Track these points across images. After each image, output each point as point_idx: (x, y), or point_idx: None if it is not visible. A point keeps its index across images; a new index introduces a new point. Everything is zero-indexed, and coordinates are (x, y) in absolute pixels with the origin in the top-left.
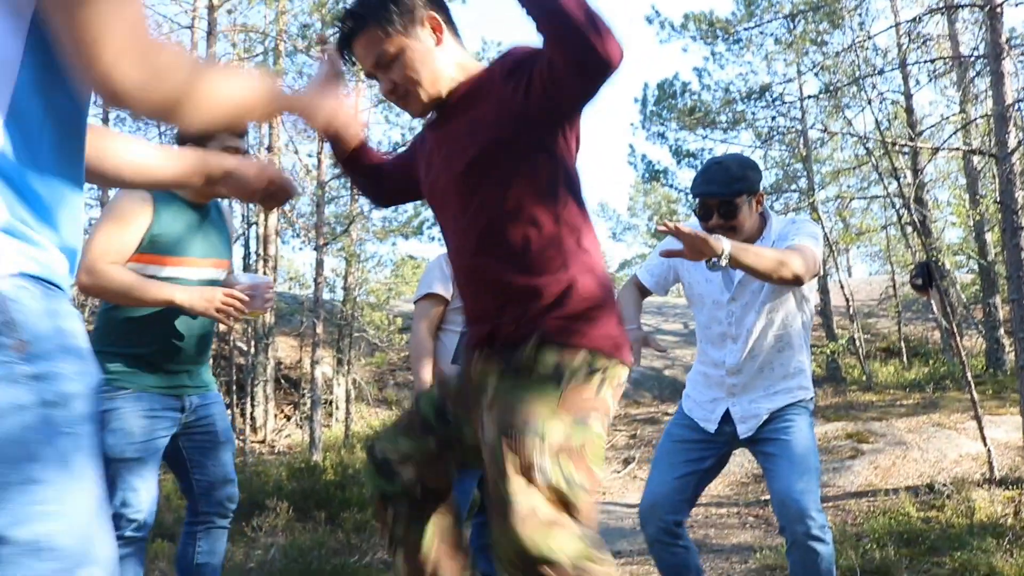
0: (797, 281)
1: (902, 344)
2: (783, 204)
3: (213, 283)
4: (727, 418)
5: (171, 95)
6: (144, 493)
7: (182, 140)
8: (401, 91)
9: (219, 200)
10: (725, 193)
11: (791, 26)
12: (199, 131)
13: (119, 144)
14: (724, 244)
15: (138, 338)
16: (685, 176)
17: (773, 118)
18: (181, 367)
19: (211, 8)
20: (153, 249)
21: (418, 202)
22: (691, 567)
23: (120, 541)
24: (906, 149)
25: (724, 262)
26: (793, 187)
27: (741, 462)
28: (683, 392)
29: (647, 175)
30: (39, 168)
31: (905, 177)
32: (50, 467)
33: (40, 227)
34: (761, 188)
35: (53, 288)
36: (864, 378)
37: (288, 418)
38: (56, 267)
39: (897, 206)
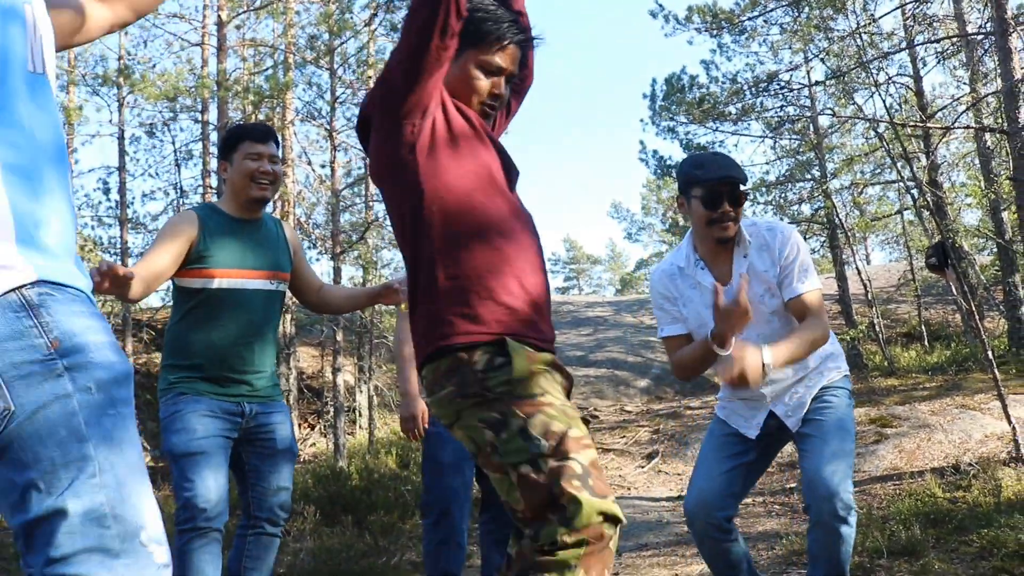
0: (825, 341)
1: (922, 328)
2: (796, 194)
3: (270, 294)
4: (770, 417)
5: None
6: (212, 484)
7: (223, 152)
8: (501, 103)
9: (275, 216)
10: (743, 178)
11: (795, 13)
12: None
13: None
14: (765, 357)
15: (190, 350)
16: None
17: (782, 107)
18: (234, 375)
19: (220, 24)
20: (203, 264)
21: None
22: (742, 558)
23: (195, 532)
24: (918, 132)
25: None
26: (807, 176)
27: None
28: (718, 402)
29: (659, 171)
30: (44, 185)
31: (919, 160)
32: (99, 445)
33: (50, 239)
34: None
35: (73, 291)
36: (886, 363)
37: (312, 427)
38: (72, 273)
39: (911, 188)
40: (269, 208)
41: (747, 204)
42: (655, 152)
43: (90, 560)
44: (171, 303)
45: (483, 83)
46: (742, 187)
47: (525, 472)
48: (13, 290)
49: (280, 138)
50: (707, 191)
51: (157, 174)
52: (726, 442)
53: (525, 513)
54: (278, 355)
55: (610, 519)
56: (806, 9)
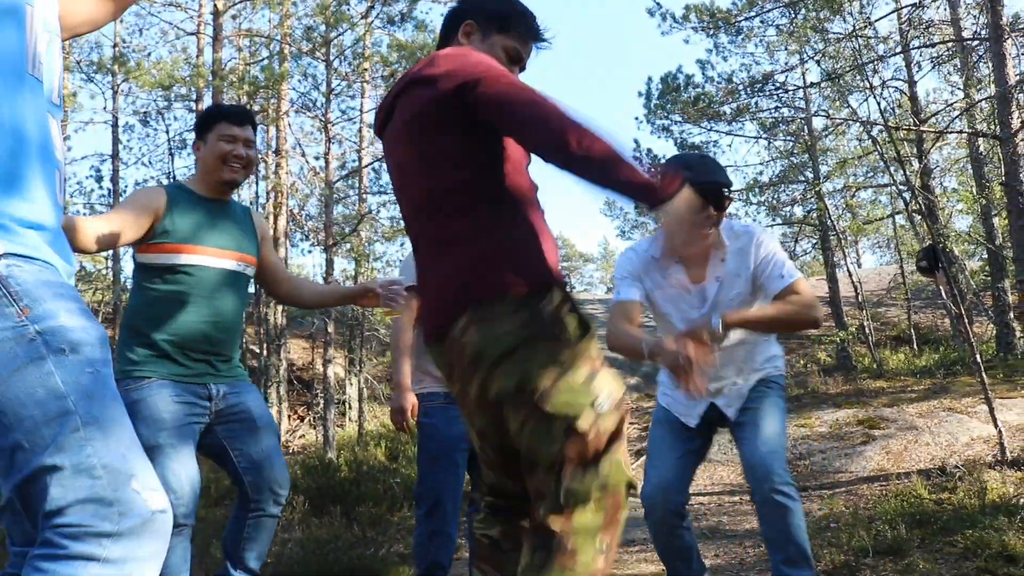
0: (815, 320)
1: (912, 332)
2: (789, 195)
3: (236, 275)
4: (710, 408)
5: None
6: (183, 476)
7: (198, 130)
8: None
9: (241, 202)
10: (729, 183)
11: (792, 14)
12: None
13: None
14: (714, 321)
15: (154, 330)
16: None
17: (777, 108)
18: (201, 356)
19: (216, 14)
20: (168, 239)
21: None
22: (693, 546)
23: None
24: (912, 136)
25: (720, 331)
26: (800, 178)
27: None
28: (658, 388)
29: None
30: (24, 178)
31: (911, 164)
32: (79, 400)
33: (19, 218)
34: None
35: (41, 263)
36: (875, 366)
37: (302, 419)
38: (42, 248)
39: (903, 191)
40: (263, 199)
41: (740, 204)
42: (649, 151)
43: (84, 510)
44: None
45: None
46: (726, 192)
47: (578, 425)
48: None
49: (275, 129)
50: (700, 192)
51: (151, 163)
52: (673, 430)
53: (560, 461)
54: (268, 346)
55: (630, 487)
56: (803, 11)
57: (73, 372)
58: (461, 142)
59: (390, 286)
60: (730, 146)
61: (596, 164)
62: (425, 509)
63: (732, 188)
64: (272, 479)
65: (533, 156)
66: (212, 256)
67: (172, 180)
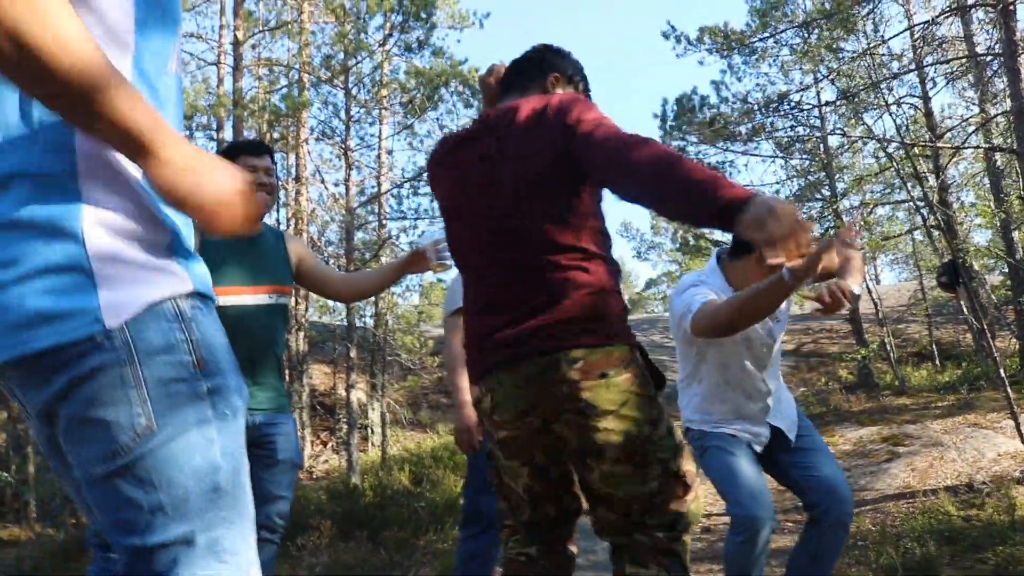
0: None
1: (934, 347)
2: (806, 214)
3: (272, 308)
4: (772, 432)
5: None
6: None
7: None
8: None
9: (277, 229)
10: None
11: (806, 34)
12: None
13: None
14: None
15: None
16: None
17: (792, 127)
18: None
19: (236, 44)
20: None
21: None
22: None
23: None
24: (928, 152)
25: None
26: (816, 196)
27: None
28: (695, 428)
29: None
30: None
31: (928, 180)
32: (229, 478)
33: (190, 249)
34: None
35: (210, 301)
36: (897, 383)
37: (325, 444)
38: (209, 283)
39: (921, 207)
40: (283, 226)
41: None
42: None
43: None
44: None
45: None
46: None
47: (672, 467)
48: (172, 299)
49: (295, 157)
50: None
51: None
52: (747, 453)
53: (657, 502)
54: (291, 372)
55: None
56: (816, 31)
57: (230, 444)
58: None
59: (436, 245)
60: (746, 166)
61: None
62: (473, 531)
63: None
64: (273, 510)
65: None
66: (247, 294)
67: None
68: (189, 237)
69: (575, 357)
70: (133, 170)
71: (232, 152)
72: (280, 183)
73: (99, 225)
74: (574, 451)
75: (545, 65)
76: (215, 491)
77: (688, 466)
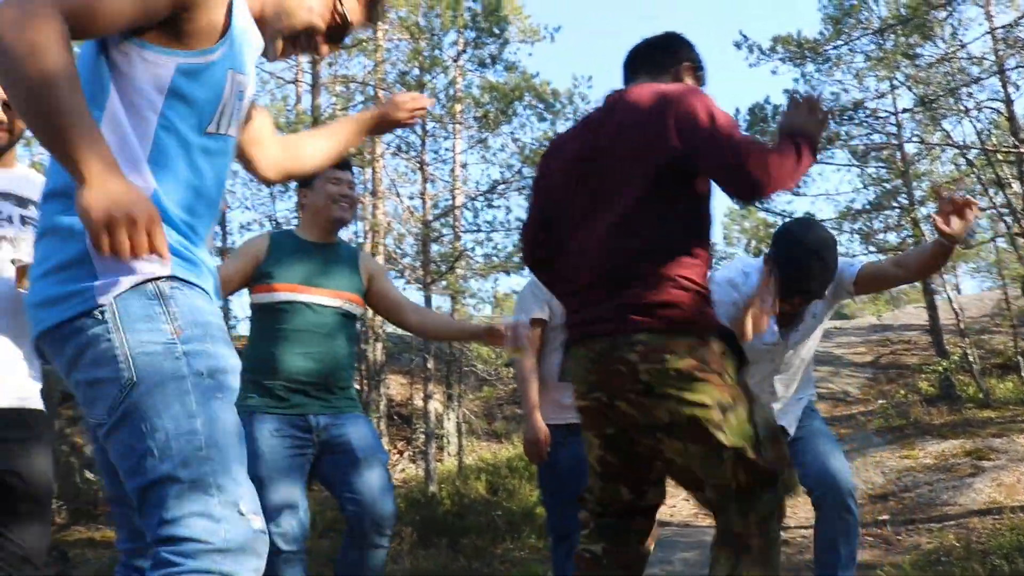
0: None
1: (1020, 359)
2: (882, 222)
3: (338, 312)
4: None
5: None
6: (285, 509)
7: (302, 181)
8: None
9: (352, 245)
10: (821, 295)
11: (881, 41)
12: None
13: (304, 146)
14: None
15: (256, 365)
16: (781, 200)
17: (868, 135)
18: (299, 388)
19: (314, 62)
20: (269, 279)
21: (516, 237)
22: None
23: (277, 557)
24: (1011, 157)
25: None
26: (893, 204)
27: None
28: None
29: (742, 202)
30: (181, 203)
31: (1011, 186)
32: (206, 423)
33: (191, 248)
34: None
35: (200, 290)
36: (980, 395)
37: (401, 453)
38: (202, 277)
39: (1004, 214)
40: (360, 238)
41: (834, 233)
42: None
43: (196, 523)
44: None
45: None
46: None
47: (748, 455)
48: (151, 280)
49: (371, 171)
50: (787, 286)
51: (253, 206)
52: None
53: (732, 485)
54: (368, 382)
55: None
56: (891, 37)
57: (206, 395)
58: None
59: (516, 327)
60: (820, 175)
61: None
62: (552, 541)
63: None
64: (374, 511)
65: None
66: (309, 294)
67: (277, 226)
68: (190, 241)
69: (637, 340)
70: (140, 182)
71: None
72: (358, 197)
73: None
74: (643, 426)
75: (680, 53)
76: (192, 434)
77: (773, 458)
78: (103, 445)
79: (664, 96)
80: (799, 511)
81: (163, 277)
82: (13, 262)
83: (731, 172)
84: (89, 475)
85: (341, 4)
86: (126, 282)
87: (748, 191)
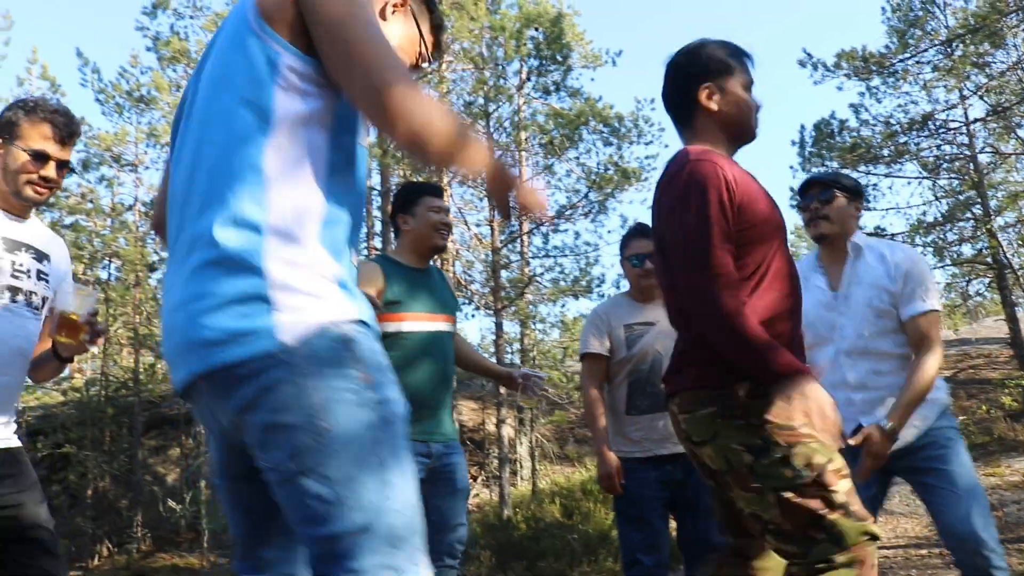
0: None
1: None
2: (956, 234)
3: (445, 335)
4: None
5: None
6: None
7: (402, 205)
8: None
9: (438, 267)
10: (828, 180)
11: (949, 51)
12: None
13: None
14: (885, 428)
15: None
16: None
17: (939, 146)
18: (426, 414)
19: None
20: (394, 309)
21: (583, 262)
22: None
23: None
24: None
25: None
26: (967, 215)
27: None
28: None
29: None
30: (349, 239)
31: None
32: (395, 472)
33: (354, 285)
34: (863, 203)
35: (372, 329)
36: None
37: (474, 478)
38: (370, 314)
39: None
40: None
41: (900, 241)
42: None
43: (382, 575)
44: None
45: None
46: (834, 189)
47: (788, 496)
48: (338, 322)
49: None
50: (800, 193)
51: None
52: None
53: (785, 528)
54: None
55: (871, 537)
56: (960, 47)
57: (393, 444)
58: None
59: (530, 378)
60: (890, 188)
61: None
62: (624, 565)
63: (836, 184)
64: (454, 537)
65: None
66: (432, 321)
67: (379, 253)
68: (350, 272)
69: (678, 398)
70: (313, 219)
71: (416, 192)
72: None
73: (279, 260)
74: (706, 473)
75: (689, 81)
76: (385, 485)
77: (821, 500)
78: (275, 489)
79: (668, 184)
80: None
81: (348, 320)
82: (46, 310)
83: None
84: (172, 504)
85: (424, 44)
86: (311, 322)
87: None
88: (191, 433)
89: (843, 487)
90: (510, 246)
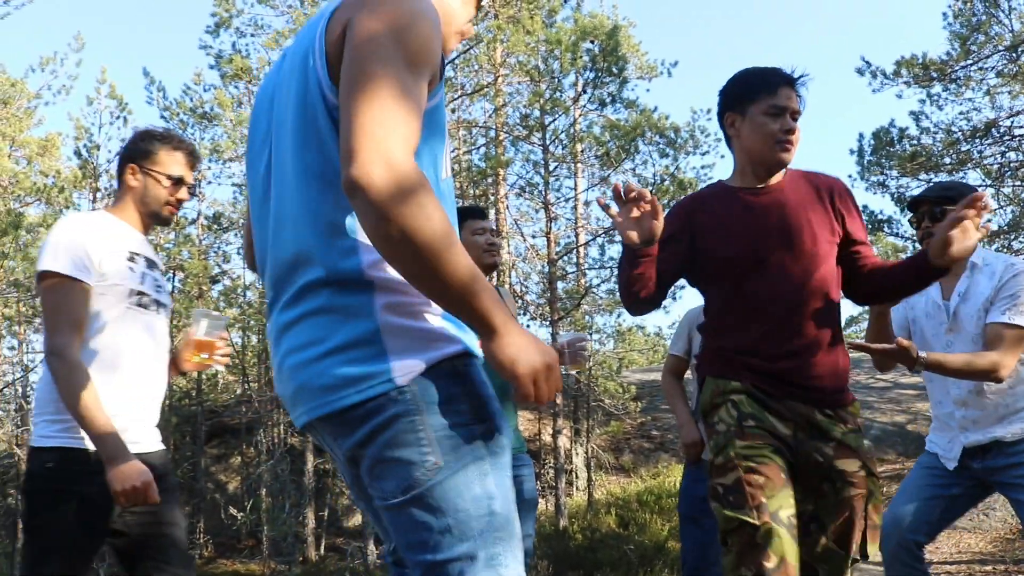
0: (996, 379)
1: None
2: (1022, 242)
3: None
4: (970, 454)
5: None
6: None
7: None
8: (792, 141)
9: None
10: (935, 196)
11: (1014, 56)
12: None
13: None
14: (920, 353)
15: None
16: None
17: (1003, 153)
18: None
19: None
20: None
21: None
22: None
23: None
24: None
25: (920, 368)
26: None
27: (1004, 516)
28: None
29: (871, 225)
30: None
31: None
32: (501, 503)
33: None
34: None
35: (479, 359)
36: None
37: None
38: (476, 343)
39: None
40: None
41: None
42: (865, 207)
43: None
44: None
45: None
46: (943, 207)
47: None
48: (448, 360)
49: (495, 212)
50: (911, 208)
51: None
52: (930, 473)
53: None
54: None
55: (741, 523)
56: None
57: (501, 476)
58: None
59: (575, 343)
60: None
61: None
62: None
63: (946, 200)
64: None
65: None
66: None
67: None
68: None
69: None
70: None
71: (460, 216)
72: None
73: (387, 307)
74: None
75: (720, 109)
76: (491, 515)
77: (710, 490)
78: (385, 515)
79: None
80: None
81: (457, 355)
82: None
83: None
84: (233, 511)
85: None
86: (423, 362)
87: None
88: (252, 442)
89: (727, 480)
90: (566, 257)
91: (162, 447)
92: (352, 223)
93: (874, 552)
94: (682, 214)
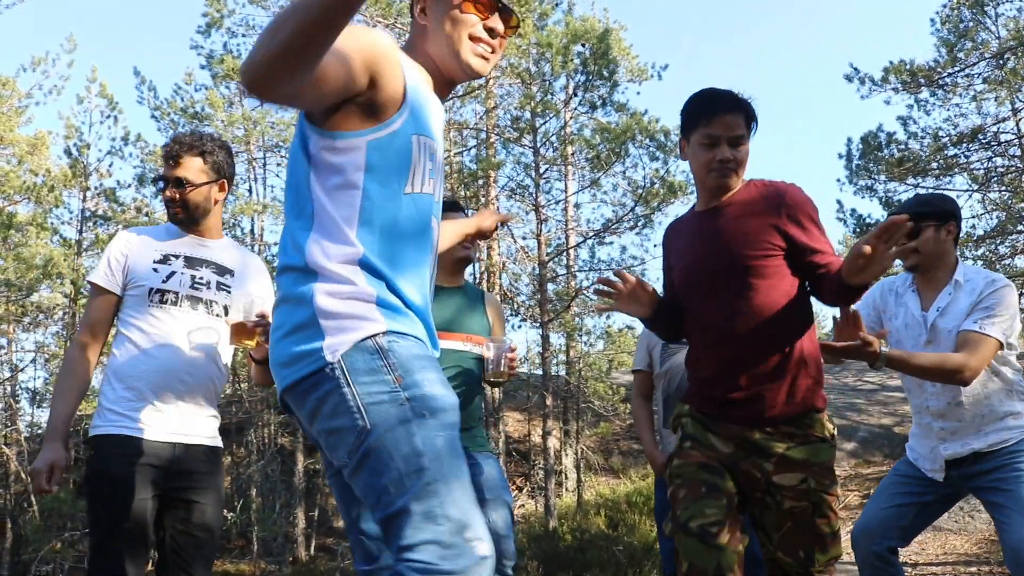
0: (961, 381)
1: None
2: (1008, 247)
3: (476, 358)
4: (949, 464)
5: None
6: None
7: None
8: (732, 166)
9: (479, 287)
10: (908, 210)
11: (1001, 63)
12: None
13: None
14: (881, 349)
15: None
16: None
17: (989, 159)
18: None
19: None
20: None
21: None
22: None
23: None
24: None
25: (880, 365)
26: (1018, 228)
27: (988, 519)
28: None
29: (858, 229)
30: (389, 261)
31: None
32: (432, 459)
33: (403, 300)
34: (956, 223)
35: (413, 338)
36: None
37: (520, 489)
38: (414, 326)
39: None
40: (476, 278)
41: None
42: (853, 211)
43: (428, 550)
44: None
45: (708, 154)
46: (919, 224)
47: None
48: (371, 337)
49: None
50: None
51: None
52: (904, 481)
53: None
54: (487, 419)
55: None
56: (1011, 59)
57: (429, 434)
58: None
59: (499, 353)
60: None
61: None
62: None
63: (932, 217)
64: (497, 551)
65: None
66: (449, 340)
67: None
68: (401, 295)
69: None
70: (348, 255)
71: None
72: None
73: (324, 294)
74: None
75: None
76: (420, 471)
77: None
78: (349, 483)
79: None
80: None
81: (380, 333)
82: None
83: None
84: (223, 511)
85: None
86: (348, 341)
87: None
88: (242, 442)
89: (668, 495)
90: (556, 259)
91: (192, 441)
92: (304, 235)
93: (825, 560)
94: (665, 242)
